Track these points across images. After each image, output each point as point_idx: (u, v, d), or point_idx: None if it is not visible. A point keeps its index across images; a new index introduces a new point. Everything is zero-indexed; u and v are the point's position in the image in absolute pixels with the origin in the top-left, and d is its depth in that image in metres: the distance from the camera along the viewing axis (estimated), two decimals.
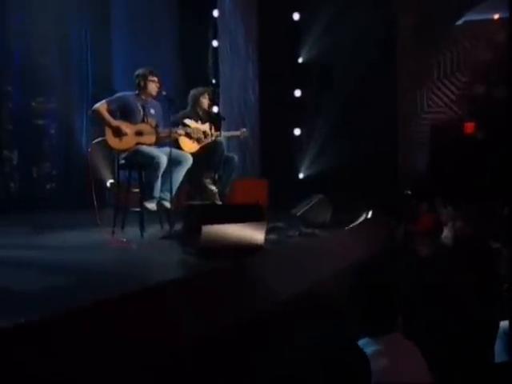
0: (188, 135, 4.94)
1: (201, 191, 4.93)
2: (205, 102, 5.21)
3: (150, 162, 4.40)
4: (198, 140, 5.01)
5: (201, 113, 5.20)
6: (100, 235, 4.41)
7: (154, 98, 4.78)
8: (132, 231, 4.38)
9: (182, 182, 4.63)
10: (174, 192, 4.46)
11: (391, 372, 1.89)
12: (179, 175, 4.52)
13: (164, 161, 4.37)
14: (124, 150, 4.56)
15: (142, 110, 4.66)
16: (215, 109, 7.50)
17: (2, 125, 6.89)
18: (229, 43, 7.94)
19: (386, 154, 7.60)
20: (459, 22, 7.75)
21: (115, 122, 4.55)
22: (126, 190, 4.62)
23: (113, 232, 4.38)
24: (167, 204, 4.43)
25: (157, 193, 4.44)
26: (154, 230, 4.48)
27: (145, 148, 4.53)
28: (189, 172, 4.61)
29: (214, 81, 8.18)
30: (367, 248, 4.75)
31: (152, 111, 4.71)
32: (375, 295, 2.06)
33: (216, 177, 5.00)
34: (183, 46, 8.14)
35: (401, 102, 7.93)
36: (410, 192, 7.44)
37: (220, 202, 4.89)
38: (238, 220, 3.45)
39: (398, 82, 7.84)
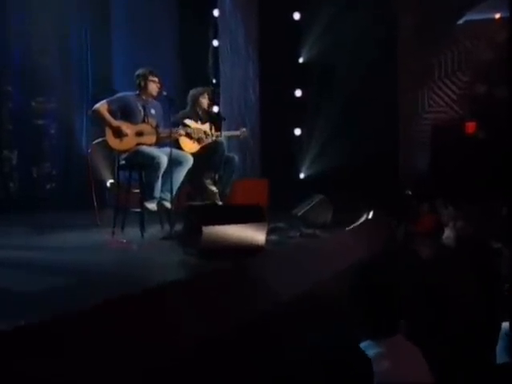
0: (188, 135, 4.93)
1: (201, 191, 4.92)
2: (204, 101, 5.20)
3: (151, 163, 4.39)
4: (199, 140, 5.00)
5: (200, 113, 5.19)
6: (100, 236, 4.41)
7: (155, 98, 4.77)
8: (132, 232, 4.37)
9: (183, 183, 4.62)
10: (174, 192, 4.45)
11: (393, 374, 1.89)
12: (180, 175, 4.52)
13: (164, 161, 4.36)
14: (124, 151, 4.56)
15: (142, 111, 4.65)
16: (215, 109, 7.49)
17: (1, 125, 6.89)
18: (229, 43, 7.93)
19: (387, 154, 7.58)
20: (460, 22, 7.74)
21: (116, 123, 4.54)
22: (127, 191, 4.62)
23: (113, 232, 4.37)
24: (168, 204, 4.42)
25: (157, 193, 4.43)
26: (154, 231, 4.47)
27: (145, 148, 4.52)
28: (189, 172, 4.60)
29: (214, 81, 8.17)
30: (368, 248, 4.74)
31: (152, 111, 4.71)
32: (376, 296, 2.05)
33: (216, 177, 4.99)
34: (183, 46, 8.12)
35: (401, 102, 7.92)
36: (410, 192, 7.43)
37: (220, 203, 4.88)
38: (238, 221, 3.45)
39: (398, 81, 7.83)
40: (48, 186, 7.44)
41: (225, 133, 5.36)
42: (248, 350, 2.76)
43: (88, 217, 5.19)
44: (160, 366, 2.29)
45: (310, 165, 8.27)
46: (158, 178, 4.39)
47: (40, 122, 7.39)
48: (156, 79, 4.69)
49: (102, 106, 4.56)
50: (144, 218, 4.35)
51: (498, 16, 7.48)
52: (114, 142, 4.52)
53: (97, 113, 4.56)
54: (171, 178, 4.39)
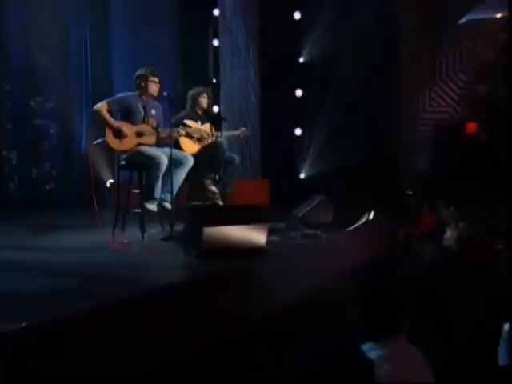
0: (189, 136, 4.92)
1: (201, 192, 4.90)
2: (204, 101, 5.19)
3: (151, 163, 4.38)
4: (199, 141, 4.99)
5: (200, 113, 5.18)
6: (100, 236, 4.39)
7: (155, 98, 4.76)
8: (132, 232, 4.35)
9: (183, 183, 4.61)
10: (174, 193, 4.43)
11: (396, 377, 1.87)
12: (180, 176, 4.50)
13: (165, 162, 4.34)
14: (124, 151, 4.54)
15: (142, 111, 4.64)
16: (215, 109, 7.48)
17: (1, 125, 6.88)
18: (229, 43, 7.92)
19: (388, 155, 7.56)
20: (462, 21, 7.71)
21: (116, 123, 4.52)
22: (127, 191, 4.60)
23: (113, 233, 4.36)
24: (168, 205, 4.40)
25: (157, 194, 4.42)
26: (154, 232, 4.46)
27: (145, 149, 4.51)
28: (189, 173, 4.59)
29: (214, 80, 8.16)
30: (369, 249, 4.73)
31: (153, 112, 4.69)
32: (378, 298, 2.03)
33: (217, 177, 4.98)
34: (183, 46, 8.11)
35: (403, 102, 7.89)
36: (411, 193, 7.42)
37: (221, 203, 4.86)
38: (239, 222, 3.44)
39: (400, 81, 7.80)
40: (48, 187, 7.44)
41: (225, 133, 5.34)
42: (249, 351, 2.75)
43: (88, 217, 5.17)
44: (160, 368, 2.28)
45: (310, 165, 8.25)
46: (158, 178, 4.38)
47: (39, 121, 7.40)
48: (156, 79, 4.68)
49: (102, 106, 4.54)
50: (144, 218, 4.34)
51: (500, 15, 7.46)
52: (114, 143, 4.51)
53: (97, 113, 4.54)
54: (171, 179, 4.37)
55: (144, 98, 4.68)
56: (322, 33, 7.94)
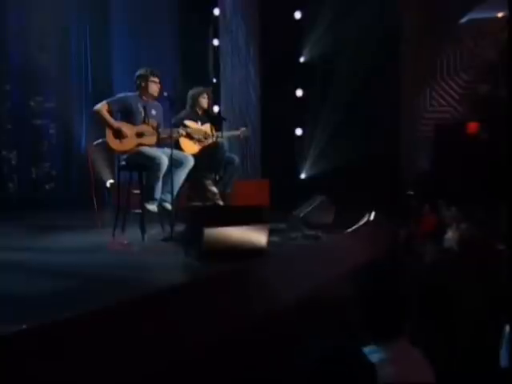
0: (189, 136, 4.91)
1: (202, 193, 4.89)
2: (204, 101, 5.18)
3: (151, 164, 4.37)
4: (199, 141, 4.98)
5: (200, 113, 5.17)
6: (100, 237, 4.39)
7: (155, 98, 4.75)
8: (133, 233, 4.35)
9: (183, 184, 4.60)
10: (175, 193, 4.42)
11: (397, 379, 1.86)
12: (180, 177, 4.49)
13: (165, 162, 4.33)
14: (125, 152, 4.53)
15: (143, 111, 4.63)
16: (216, 109, 7.47)
17: (0, 125, 6.88)
18: (230, 42, 7.90)
19: (389, 155, 7.54)
20: (463, 21, 7.69)
21: (116, 124, 4.52)
22: (127, 192, 4.60)
23: (113, 234, 4.35)
24: (168, 206, 4.40)
25: (158, 194, 4.41)
26: (154, 232, 4.45)
27: (146, 149, 4.50)
28: (190, 173, 4.58)
29: (214, 80, 8.15)
30: (370, 250, 4.71)
31: (153, 112, 4.68)
32: (379, 299, 2.02)
33: (217, 178, 4.97)
34: (183, 46, 8.10)
35: (404, 102, 7.87)
36: (412, 193, 7.40)
37: (221, 203, 4.85)
38: (240, 222, 3.43)
39: (400, 81, 7.78)
40: (47, 187, 7.44)
41: (225, 133, 5.33)
42: (250, 352, 2.74)
43: (88, 218, 5.17)
44: (161, 370, 2.27)
45: (311, 165, 8.23)
46: (158, 179, 4.37)
47: (39, 121, 7.40)
48: (156, 80, 4.67)
49: (102, 106, 4.53)
50: (144, 219, 4.33)
51: (501, 14, 7.44)
52: (114, 143, 4.50)
53: (97, 113, 4.53)
54: (172, 179, 4.37)
55: (144, 98, 4.67)
56: (323, 32, 7.93)
